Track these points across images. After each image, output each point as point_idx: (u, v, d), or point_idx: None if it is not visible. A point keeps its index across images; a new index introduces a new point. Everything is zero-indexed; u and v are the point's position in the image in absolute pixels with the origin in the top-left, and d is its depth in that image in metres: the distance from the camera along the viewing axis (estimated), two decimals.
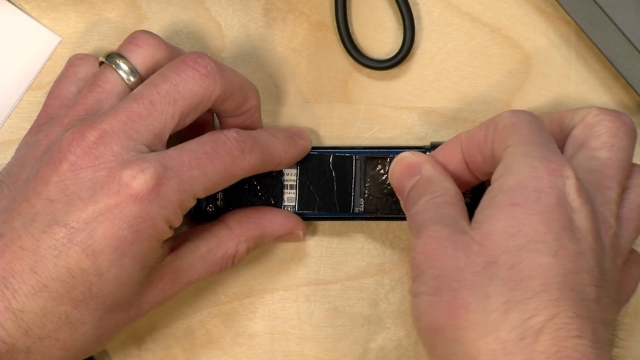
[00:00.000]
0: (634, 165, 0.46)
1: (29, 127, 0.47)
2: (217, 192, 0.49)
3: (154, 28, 0.52)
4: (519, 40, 0.52)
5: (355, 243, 0.51)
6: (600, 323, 0.40)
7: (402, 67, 0.52)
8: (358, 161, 0.49)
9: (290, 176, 0.50)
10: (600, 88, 0.51)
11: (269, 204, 0.49)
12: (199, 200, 0.46)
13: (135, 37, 0.46)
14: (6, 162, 0.46)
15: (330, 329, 0.51)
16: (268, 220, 0.49)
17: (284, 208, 0.49)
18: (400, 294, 0.51)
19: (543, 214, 0.41)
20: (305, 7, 0.52)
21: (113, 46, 0.51)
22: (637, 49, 0.49)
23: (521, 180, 0.41)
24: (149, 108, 0.43)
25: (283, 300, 0.51)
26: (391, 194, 0.49)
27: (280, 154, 0.47)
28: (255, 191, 0.49)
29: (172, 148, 0.44)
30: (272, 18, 0.52)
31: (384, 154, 0.49)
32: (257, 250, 0.50)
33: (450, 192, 0.45)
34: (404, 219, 0.49)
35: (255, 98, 0.47)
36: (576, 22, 0.50)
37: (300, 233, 0.49)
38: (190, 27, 0.52)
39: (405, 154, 0.47)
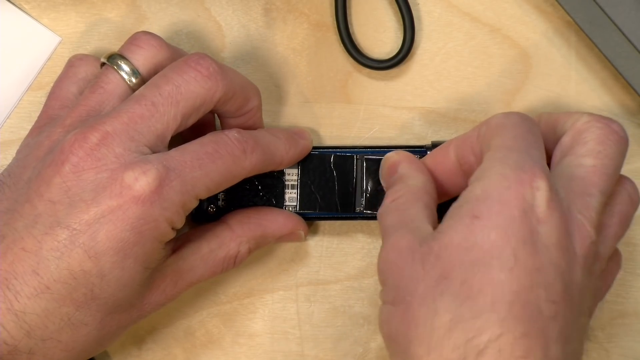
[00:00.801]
0: (620, 176, 0.45)
1: (29, 127, 0.47)
2: (218, 193, 0.49)
3: (154, 28, 0.52)
4: (519, 40, 0.52)
5: (356, 243, 0.51)
6: (556, 341, 0.39)
7: (402, 67, 0.52)
8: (359, 161, 0.49)
9: (292, 176, 0.50)
10: (600, 88, 0.51)
11: (270, 204, 0.49)
12: (200, 201, 0.46)
13: (136, 38, 0.46)
14: (6, 163, 0.46)
15: (330, 329, 0.51)
16: (269, 221, 0.49)
17: (285, 208, 0.49)
18: None
19: (502, 228, 0.40)
20: (305, 7, 0.52)
21: (113, 46, 0.51)
22: (637, 49, 0.49)
23: (488, 190, 0.41)
24: (151, 109, 0.43)
25: (283, 300, 0.51)
26: None
27: (282, 153, 0.47)
28: (256, 191, 0.49)
29: (173, 149, 0.44)
30: (272, 18, 0.52)
31: (384, 154, 0.49)
32: (258, 250, 0.50)
33: (414, 189, 0.45)
34: None
35: (257, 99, 0.47)
36: (576, 22, 0.50)
37: (302, 233, 0.49)
38: (190, 27, 0.52)
39: (389, 154, 0.48)
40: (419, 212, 0.44)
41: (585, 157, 0.43)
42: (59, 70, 0.48)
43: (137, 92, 0.44)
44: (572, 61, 0.52)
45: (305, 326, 0.51)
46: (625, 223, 0.45)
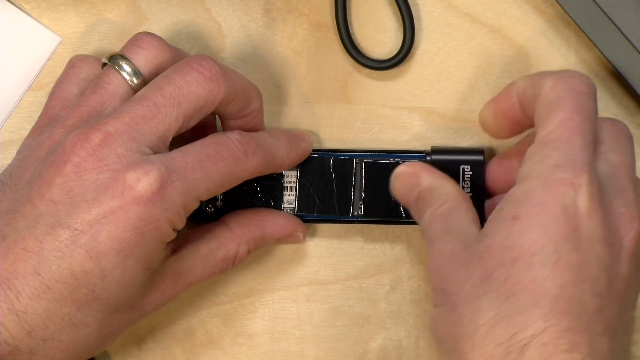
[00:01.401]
0: None
1: (29, 127, 0.47)
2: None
3: (154, 28, 0.52)
4: (519, 40, 0.52)
5: (355, 243, 0.51)
6: (602, 335, 0.40)
7: (402, 67, 0.52)
8: (358, 164, 0.49)
9: (290, 178, 0.50)
10: (600, 88, 0.51)
11: (269, 206, 0.49)
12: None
13: (138, 39, 0.46)
14: (7, 163, 0.46)
15: (330, 329, 0.51)
16: (269, 222, 0.49)
17: (283, 210, 0.49)
18: (400, 294, 0.51)
19: (543, 226, 0.40)
20: (305, 7, 0.52)
21: (113, 46, 0.51)
22: (637, 49, 0.49)
23: (528, 193, 0.41)
24: (153, 110, 0.43)
25: (283, 300, 0.51)
26: (390, 198, 0.49)
27: (282, 156, 0.48)
28: (255, 192, 0.49)
29: (175, 150, 0.44)
30: (272, 18, 0.52)
31: (384, 157, 0.49)
32: (257, 250, 0.50)
33: (451, 197, 0.45)
34: (403, 223, 0.49)
35: (258, 100, 0.47)
36: (576, 22, 0.50)
37: (300, 235, 0.49)
38: (190, 27, 0.52)
39: (401, 168, 0.48)
40: (462, 216, 0.44)
41: (610, 152, 0.44)
42: (59, 70, 0.48)
43: (139, 92, 0.44)
44: (572, 61, 0.52)
45: (305, 326, 0.51)
46: None
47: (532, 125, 0.45)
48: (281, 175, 0.50)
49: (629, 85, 0.50)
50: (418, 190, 0.46)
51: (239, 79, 0.46)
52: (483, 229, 0.43)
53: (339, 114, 0.52)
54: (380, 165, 0.49)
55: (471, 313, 0.41)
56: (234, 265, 0.48)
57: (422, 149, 0.50)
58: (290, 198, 0.49)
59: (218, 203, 0.49)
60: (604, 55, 0.50)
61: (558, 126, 0.42)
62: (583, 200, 0.41)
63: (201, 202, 0.48)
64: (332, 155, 0.50)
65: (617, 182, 0.43)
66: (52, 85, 0.48)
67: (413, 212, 0.47)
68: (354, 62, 0.52)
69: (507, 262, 0.40)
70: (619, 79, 0.51)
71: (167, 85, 0.44)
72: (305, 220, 0.50)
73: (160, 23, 0.52)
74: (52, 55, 0.52)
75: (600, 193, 0.42)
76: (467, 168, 0.49)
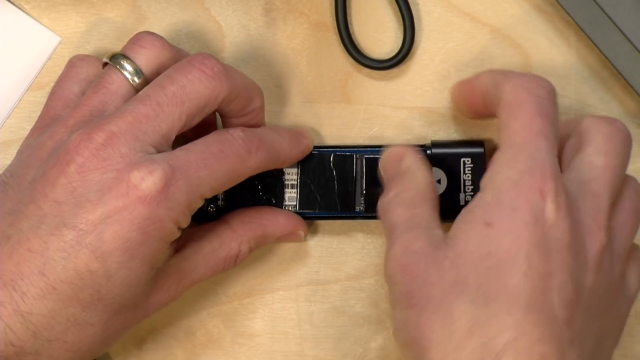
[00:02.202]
0: (626, 176, 0.45)
1: (29, 127, 0.47)
2: (218, 194, 0.49)
3: (154, 28, 0.52)
4: (519, 40, 0.52)
5: (355, 243, 0.51)
6: (571, 344, 0.40)
7: (402, 67, 0.52)
8: (359, 160, 0.50)
9: (291, 175, 0.50)
10: (600, 88, 0.51)
11: (270, 204, 0.49)
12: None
13: (139, 38, 0.46)
14: (7, 163, 0.46)
15: (330, 329, 0.51)
16: (270, 221, 0.49)
17: (285, 207, 0.49)
18: None
19: (515, 233, 0.40)
20: (305, 7, 0.52)
21: (113, 46, 0.51)
22: (637, 49, 0.49)
23: (499, 197, 0.41)
24: (156, 109, 0.43)
25: (283, 300, 0.51)
26: None
27: (286, 152, 0.48)
28: (256, 191, 0.49)
29: (178, 149, 0.44)
30: (272, 18, 0.52)
31: (383, 152, 0.49)
32: (258, 250, 0.50)
33: (421, 187, 0.45)
34: None
35: (260, 99, 0.47)
36: (576, 22, 0.50)
37: (302, 233, 0.49)
38: (190, 27, 0.52)
39: (393, 146, 0.48)
40: (428, 212, 0.44)
41: (595, 155, 0.44)
42: (59, 70, 0.48)
43: (141, 92, 0.44)
44: (572, 61, 0.52)
45: (305, 326, 0.51)
46: (637, 217, 0.45)
47: (495, 116, 0.45)
48: (282, 173, 0.50)
49: (629, 85, 0.50)
50: (400, 169, 0.46)
51: (241, 77, 0.46)
52: (452, 229, 0.42)
53: (339, 113, 0.52)
54: (379, 161, 0.49)
55: (444, 318, 0.40)
56: (236, 264, 0.48)
57: (422, 143, 0.50)
58: (291, 195, 0.50)
59: (219, 202, 0.49)
60: (604, 55, 0.50)
61: (521, 128, 0.42)
62: (550, 209, 0.41)
63: (204, 204, 0.48)
64: (333, 151, 0.50)
65: (593, 188, 0.43)
66: (52, 85, 0.48)
67: (384, 188, 0.47)
68: (354, 62, 0.52)
69: (481, 268, 0.40)
70: (619, 78, 0.51)
71: (170, 84, 0.44)
72: (307, 217, 0.50)
73: (160, 23, 0.52)
74: (52, 55, 0.52)
75: (568, 201, 0.41)
76: (468, 161, 0.49)
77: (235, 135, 0.45)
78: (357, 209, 0.49)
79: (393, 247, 0.43)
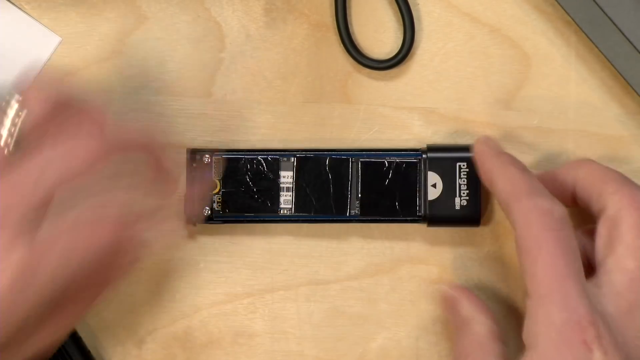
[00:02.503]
0: None
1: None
2: (214, 195, 0.49)
3: (154, 28, 0.52)
4: (519, 40, 0.52)
5: (355, 243, 0.51)
6: None
7: (402, 67, 0.52)
8: (354, 164, 0.49)
9: (287, 179, 0.50)
10: (600, 88, 0.51)
11: (266, 206, 0.49)
12: (195, 203, 0.47)
13: (24, 94, 0.42)
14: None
15: (330, 329, 0.51)
16: None
17: (280, 211, 0.49)
18: (400, 294, 0.51)
19: None
20: (305, 7, 0.52)
21: (113, 46, 0.51)
22: (637, 49, 0.49)
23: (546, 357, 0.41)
24: (30, 177, 0.40)
25: (283, 300, 0.51)
26: (386, 196, 0.49)
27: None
28: (252, 193, 0.49)
29: (48, 223, 0.41)
30: (272, 18, 0.52)
31: (379, 156, 0.49)
32: (257, 250, 0.50)
33: (482, 338, 0.46)
34: (399, 221, 0.49)
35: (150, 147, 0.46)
36: (576, 22, 0.50)
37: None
38: (190, 27, 0.52)
39: (445, 288, 0.49)
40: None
41: (626, 258, 0.43)
42: (59, 70, 0.48)
43: (14, 157, 0.41)
44: (572, 61, 0.52)
45: (305, 326, 0.51)
46: None
47: None
48: (277, 176, 0.50)
49: (629, 85, 0.50)
50: (460, 320, 0.47)
51: (126, 136, 0.44)
52: None
53: (339, 114, 0.52)
54: (376, 165, 0.49)
55: None
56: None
57: (417, 147, 0.50)
58: (287, 199, 0.50)
59: (215, 205, 0.49)
60: (604, 55, 0.50)
61: (544, 275, 0.42)
62: (599, 357, 0.40)
63: (200, 204, 0.48)
64: (328, 154, 0.50)
65: (629, 301, 0.42)
66: (70, 82, 0.47)
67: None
68: (354, 62, 0.51)
69: None
70: (619, 78, 0.51)
71: (46, 149, 0.41)
72: (302, 220, 0.50)
73: (160, 23, 0.52)
74: (52, 55, 0.52)
75: (613, 339, 0.41)
76: (464, 165, 0.49)
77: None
78: (352, 212, 0.49)
79: None
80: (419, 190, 0.49)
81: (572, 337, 0.41)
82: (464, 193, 0.49)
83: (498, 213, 0.51)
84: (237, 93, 0.52)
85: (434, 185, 0.49)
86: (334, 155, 0.50)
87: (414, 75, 0.52)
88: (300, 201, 0.49)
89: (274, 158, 0.50)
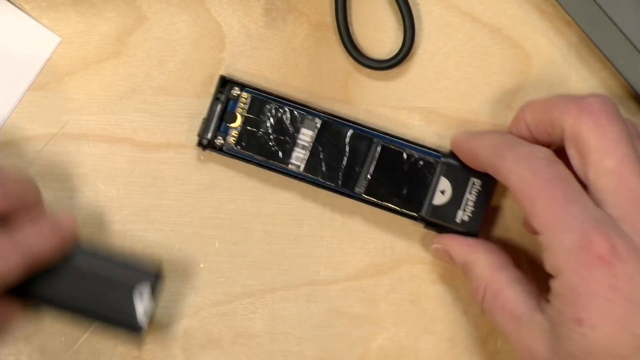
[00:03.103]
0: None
1: (29, 127, 0.47)
2: (231, 129, 0.49)
3: (154, 28, 0.52)
4: (519, 40, 0.52)
5: (355, 243, 0.51)
6: None
7: (402, 67, 0.52)
8: (375, 145, 0.49)
9: (306, 137, 0.49)
10: (600, 88, 0.51)
11: (276, 156, 0.49)
12: (209, 132, 0.48)
13: None
14: (6, 163, 0.46)
15: (330, 329, 0.51)
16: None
17: (289, 165, 0.49)
18: (400, 294, 0.51)
19: (606, 319, 0.40)
20: (305, 7, 0.52)
21: (113, 46, 0.51)
22: (637, 49, 0.49)
23: (574, 288, 0.41)
24: None
25: (283, 300, 0.51)
26: (395, 186, 0.49)
27: (47, 255, 0.46)
28: (267, 139, 0.49)
29: None
30: (272, 18, 0.52)
31: (402, 145, 0.49)
32: (257, 250, 0.50)
33: (490, 275, 0.46)
34: (398, 213, 0.49)
35: (34, 199, 0.47)
36: (576, 22, 0.50)
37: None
38: (190, 27, 0.52)
39: (433, 246, 0.49)
40: (518, 299, 0.44)
41: (603, 161, 0.43)
42: (59, 70, 0.48)
43: None
44: (572, 61, 0.52)
45: (305, 326, 0.51)
46: None
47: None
48: (298, 132, 0.49)
49: (629, 85, 0.50)
50: (462, 267, 0.47)
51: (15, 187, 0.45)
52: (551, 339, 0.42)
53: (339, 114, 0.52)
54: (395, 152, 0.49)
55: None
56: None
57: (441, 148, 0.50)
58: (299, 156, 0.49)
59: (229, 138, 0.49)
60: (605, 55, 0.50)
61: (545, 208, 0.42)
62: (622, 269, 0.40)
63: (212, 132, 0.48)
64: (353, 127, 0.50)
65: (626, 194, 0.42)
66: (52, 85, 0.48)
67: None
68: (354, 62, 0.52)
69: None
70: (619, 78, 0.51)
71: None
72: (308, 181, 0.49)
73: (160, 23, 0.52)
74: (52, 55, 0.52)
75: (626, 243, 0.41)
76: (478, 182, 0.49)
77: None
78: (357, 190, 0.49)
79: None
80: (427, 191, 0.49)
81: (588, 257, 0.41)
82: (468, 209, 0.48)
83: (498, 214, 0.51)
84: None
85: (443, 192, 0.49)
86: (358, 129, 0.50)
87: (414, 75, 0.52)
88: (312, 162, 0.49)
89: (301, 113, 0.49)
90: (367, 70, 0.52)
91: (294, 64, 0.52)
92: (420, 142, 0.50)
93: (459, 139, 0.49)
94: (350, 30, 0.52)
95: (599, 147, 0.43)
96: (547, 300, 0.43)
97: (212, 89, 0.51)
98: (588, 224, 0.41)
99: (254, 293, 0.51)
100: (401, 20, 0.51)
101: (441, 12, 0.52)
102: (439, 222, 0.49)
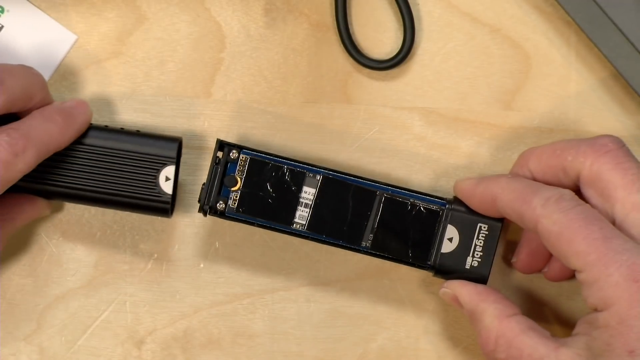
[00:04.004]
0: None
1: None
2: (232, 192, 0.48)
3: (154, 28, 0.52)
4: (519, 40, 0.52)
5: None
6: None
7: (402, 67, 0.52)
8: (378, 197, 0.49)
9: (308, 195, 0.49)
10: (600, 88, 0.51)
11: (280, 216, 0.48)
12: (209, 198, 0.47)
13: None
14: None
15: (330, 330, 0.51)
16: (17, 213, 0.49)
17: (293, 224, 0.49)
18: (400, 295, 0.51)
19: None
20: (305, 7, 0.52)
21: (113, 46, 0.51)
22: (637, 49, 0.49)
23: (622, 318, 0.42)
24: None
25: (283, 300, 0.51)
26: (401, 237, 0.48)
27: (58, 141, 0.47)
28: (269, 200, 0.48)
29: None
30: (272, 18, 0.52)
31: (404, 196, 0.49)
32: (257, 250, 0.50)
33: (499, 325, 0.46)
34: (407, 264, 0.49)
35: (40, 93, 0.47)
36: (576, 22, 0.50)
37: (47, 212, 0.50)
38: (190, 27, 0.52)
39: (442, 291, 0.48)
40: (535, 343, 0.44)
41: (630, 196, 0.44)
42: (59, 69, 0.48)
43: None
44: (572, 61, 0.52)
45: (305, 326, 0.51)
46: None
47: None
48: (299, 190, 0.49)
49: (629, 85, 0.50)
50: (471, 316, 0.47)
51: (17, 83, 0.46)
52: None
53: (339, 114, 0.52)
54: (399, 204, 0.49)
55: None
56: None
57: (445, 196, 0.49)
58: (302, 214, 0.49)
59: (231, 202, 0.48)
60: (604, 55, 0.50)
61: (585, 246, 0.43)
62: None
63: (214, 198, 0.48)
64: (355, 181, 0.49)
65: None
66: (52, 85, 0.47)
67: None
68: (354, 62, 0.51)
69: None
70: (619, 79, 0.51)
71: None
72: (313, 239, 0.49)
73: (160, 23, 0.52)
74: (68, 52, 0.52)
75: None
76: (485, 227, 0.48)
77: (1, 141, 0.44)
78: (364, 244, 0.49)
79: None
80: (435, 240, 0.48)
81: (639, 287, 0.41)
82: (477, 254, 0.48)
83: None
84: (237, 93, 0.52)
85: (450, 239, 0.48)
86: (361, 183, 0.49)
87: (414, 76, 0.52)
88: (316, 220, 0.49)
89: (300, 171, 0.49)
90: (367, 70, 0.52)
91: (294, 64, 0.52)
92: (423, 191, 0.49)
93: (467, 186, 0.48)
94: (350, 30, 0.52)
95: (624, 183, 0.44)
96: (572, 335, 0.43)
97: (212, 88, 0.51)
98: (634, 257, 0.42)
99: (254, 293, 0.51)
100: (401, 20, 0.51)
101: (441, 12, 0.52)
102: (449, 270, 0.48)
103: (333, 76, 0.52)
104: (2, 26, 0.52)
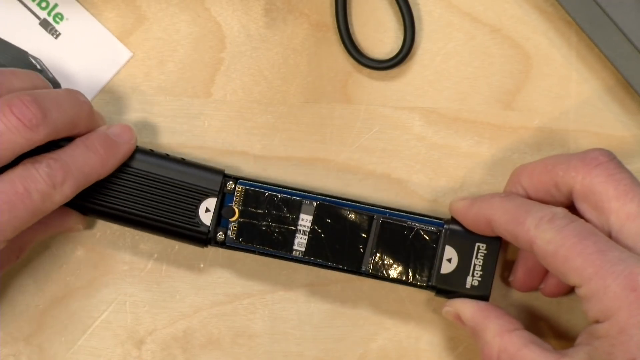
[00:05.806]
0: None
1: None
2: (230, 223, 0.49)
3: (154, 28, 0.52)
4: (519, 40, 0.52)
5: None
6: None
7: (402, 67, 0.52)
8: (375, 221, 0.49)
9: (305, 222, 0.49)
10: (600, 88, 0.51)
11: (279, 244, 0.49)
12: (209, 225, 0.47)
13: None
14: None
15: (330, 330, 0.51)
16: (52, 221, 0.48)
17: (293, 252, 0.49)
18: (400, 295, 0.51)
19: None
20: (305, 7, 0.52)
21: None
22: (637, 49, 0.49)
23: (622, 328, 0.42)
24: None
25: (283, 300, 0.51)
26: (400, 259, 0.48)
27: (98, 172, 0.47)
28: (267, 229, 0.49)
29: None
30: (272, 18, 0.52)
31: (402, 218, 0.49)
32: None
33: (501, 341, 0.46)
34: (408, 284, 0.49)
35: (85, 120, 0.47)
36: (576, 22, 0.50)
37: (80, 227, 0.50)
38: (190, 27, 0.52)
39: (445, 309, 0.49)
40: (537, 356, 0.44)
41: (624, 207, 0.44)
42: (122, 84, 0.48)
43: None
44: (573, 61, 0.52)
45: (305, 327, 0.51)
46: None
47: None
48: (297, 218, 0.49)
49: (630, 85, 0.50)
50: (473, 334, 0.47)
51: (62, 114, 0.45)
52: None
53: (339, 114, 0.52)
54: (396, 227, 0.49)
55: None
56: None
57: (442, 216, 0.49)
58: (301, 241, 0.49)
59: (230, 232, 0.49)
60: (605, 55, 0.50)
61: (582, 261, 0.43)
62: None
63: (213, 227, 0.48)
64: (352, 206, 0.49)
65: None
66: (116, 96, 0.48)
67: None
68: (354, 62, 0.51)
69: None
70: (619, 79, 0.51)
71: None
72: (313, 264, 0.49)
73: (160, 23, 0.52)
74: (121, 69, 0.52)
75: None
76: (483, 246, 0.48)
77: (41, 172, 0.44)
78: (364, 268, 0.49)
79: None
80: (434, 261, 0.48)
81: (638, 297, 0.42)
82: (477, 274, 0.48)
83: None
84: (237, 93, 0.52)
85: (449, 260, 0.48)
86: (358, 208, 0.49)
87: (415, 76, 0.52)
88: (314, 246, 0.49)
89: (296, 199, 0.49)
90: (367, 70, 0.52)
91: (294, 64, 0.52)
92: (420, 212, 0.49)
93: (462, 207, 0.48)
94: (350, 30, 0.52)
95: (617, 194, 0.44)
96: (573, 346, 0.44)
97: (212, 88, 0.51)
98: (630, 267, 0.42)
99: (254, 293, 0.51)
100: (401, 20, 0.51)
101: (441, 12, 0.52)
102: (449, 290, 0.48)
103: (333, 76, 0.52)
104: (60, 34, 0.51)
